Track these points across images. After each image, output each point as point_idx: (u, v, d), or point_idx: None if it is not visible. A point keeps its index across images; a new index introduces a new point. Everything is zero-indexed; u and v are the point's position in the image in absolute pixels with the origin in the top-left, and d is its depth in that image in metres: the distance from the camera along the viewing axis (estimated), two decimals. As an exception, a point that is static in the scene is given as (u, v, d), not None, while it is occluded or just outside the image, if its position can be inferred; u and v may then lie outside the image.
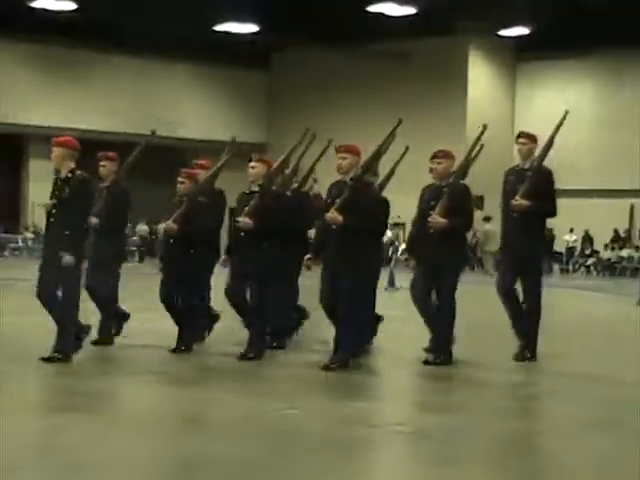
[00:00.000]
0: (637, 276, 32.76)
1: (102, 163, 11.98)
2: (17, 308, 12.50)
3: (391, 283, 23.78)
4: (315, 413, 8.40)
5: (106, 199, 11.71)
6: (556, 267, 37.44)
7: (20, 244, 38.84)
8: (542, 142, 11.49)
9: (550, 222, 12.21)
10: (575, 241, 38.19)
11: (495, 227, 35.27)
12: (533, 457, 7.23)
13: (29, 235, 38.76)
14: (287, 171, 12.05)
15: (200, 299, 11.72)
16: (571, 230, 37.72)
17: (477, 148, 11.57)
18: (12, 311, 13.69)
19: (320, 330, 12.54)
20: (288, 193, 12.01)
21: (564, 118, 11.44)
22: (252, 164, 11.22)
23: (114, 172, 11.96)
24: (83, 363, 10.51)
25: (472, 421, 8.31)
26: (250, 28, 38.54)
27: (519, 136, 11.61)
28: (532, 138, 11.50)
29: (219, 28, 38.32)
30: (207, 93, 42.71)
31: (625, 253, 36.78)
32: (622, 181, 37.17)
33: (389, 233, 31.43)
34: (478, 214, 37.15)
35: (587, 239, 38.11)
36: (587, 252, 38.09)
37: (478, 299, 18.29)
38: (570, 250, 38.22)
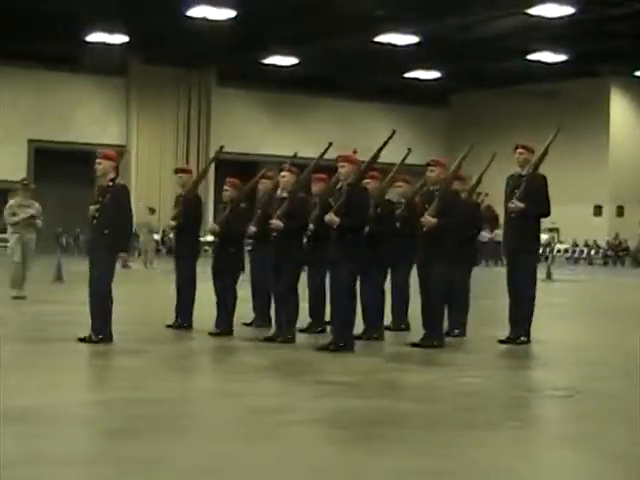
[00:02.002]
0: None
1: (179, 175, 11.33)
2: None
3: (549, 276, 23.49)
4: (491, 381, 7.99)
5: (183, 205, 10.98)
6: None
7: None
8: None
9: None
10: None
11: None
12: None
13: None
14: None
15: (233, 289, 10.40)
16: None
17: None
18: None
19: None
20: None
21: (556, 135, 10.24)
22: (282, 174, 10.09)
23: (190, 183, 11.12)
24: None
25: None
26: (433, 75, 38.55)
27: (516, 147, 10.30)
28: (528, 149, 10.25)
29: (408, 75, 38.48)
30: (395, 126, 42.50)
31: None
32: None
33: (545, 236, 30.98)
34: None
35: None
36: None
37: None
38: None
